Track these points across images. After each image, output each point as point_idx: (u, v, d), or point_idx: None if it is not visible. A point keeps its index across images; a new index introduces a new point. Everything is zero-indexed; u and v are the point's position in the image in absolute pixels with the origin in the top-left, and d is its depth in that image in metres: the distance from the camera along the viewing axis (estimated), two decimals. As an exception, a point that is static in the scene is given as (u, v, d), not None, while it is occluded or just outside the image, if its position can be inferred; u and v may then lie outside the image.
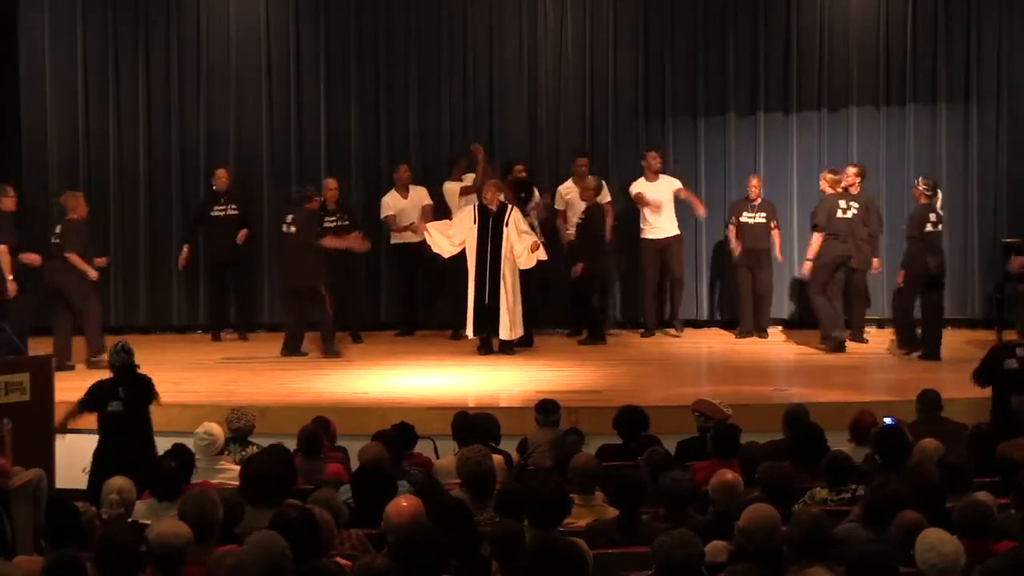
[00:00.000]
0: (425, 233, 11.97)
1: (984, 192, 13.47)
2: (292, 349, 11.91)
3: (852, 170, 12.34)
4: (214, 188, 12.96)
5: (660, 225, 12.82)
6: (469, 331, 11.89)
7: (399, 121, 13.66)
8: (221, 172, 12.95)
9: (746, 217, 12.74)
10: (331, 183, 12.71)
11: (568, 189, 12.88)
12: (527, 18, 13.64)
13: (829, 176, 12.11)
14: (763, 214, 12.70)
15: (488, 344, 11.90)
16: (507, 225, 11.75)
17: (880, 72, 13.48)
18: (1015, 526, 5.57)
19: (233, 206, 12.87)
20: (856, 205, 11.96)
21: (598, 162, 13.43)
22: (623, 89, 13.63)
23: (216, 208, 12.87)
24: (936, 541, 4.82)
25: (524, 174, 12.65)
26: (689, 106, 13.64)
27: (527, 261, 11.81)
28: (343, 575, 4.94)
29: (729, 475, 6.04)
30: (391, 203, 12.95)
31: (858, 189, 12.24)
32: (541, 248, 11.93)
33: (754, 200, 12.72)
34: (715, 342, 12.87)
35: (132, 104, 13.48)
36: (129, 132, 13.49)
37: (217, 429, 7.43)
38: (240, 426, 7.78)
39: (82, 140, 13.42)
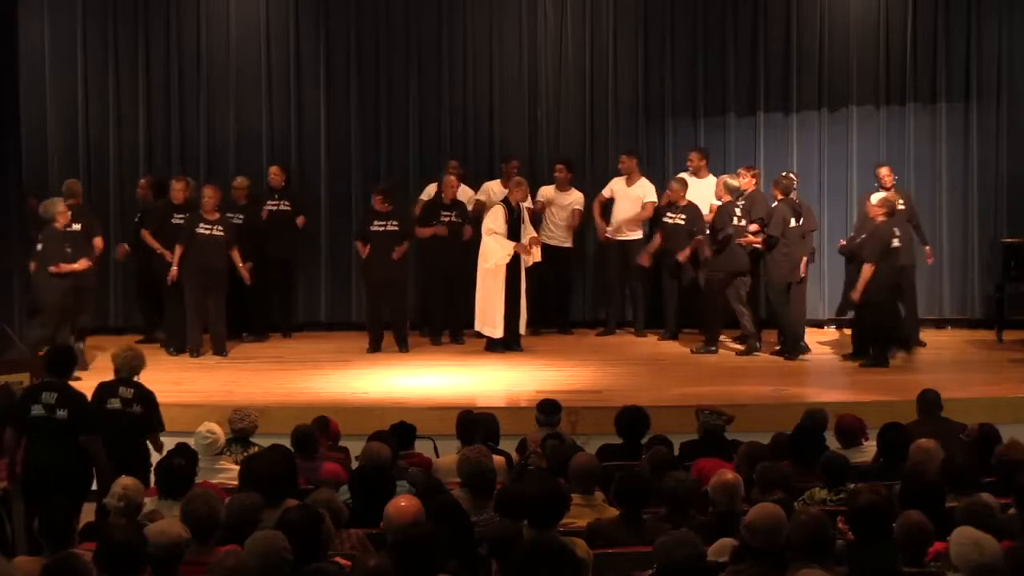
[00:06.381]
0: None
1: (984, 192, 13.47)
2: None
3: (884, 170, 12.29)
4: (270, 185, 12.89)
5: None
6: (499, 329, 11.90)
7: (399, 122, 13.63)
8: (275, 169, 12.88)
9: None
10: (275, 169, 12.87)
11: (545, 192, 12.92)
12: (527, 18, 13.64)
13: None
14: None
15: (495, 343, 11.92)
16: (524, 222, 11.97)
17: (880, 72, 13.48)
18: (1015, 526, 5.58)
19: (286, 202, 12.83)
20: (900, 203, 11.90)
21: (598, 162, 13.46)
22: (623, 89, 13.63)
23: (269, 203, 12.81)
24: (981, 538, 4.80)
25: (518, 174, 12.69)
26: (689, 106, 13.63)
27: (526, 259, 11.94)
28: (343, 575, 4.95)
29: (729, 475, 6.04)
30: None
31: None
32: (538, 249, 11.98)
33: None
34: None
35: (132, 104, 13.45)
36: (129, 132, 13.47)
37: (218, 428, 7.44)
38: (242, 427, 7.76)
39: (82, 140, 13.41)
